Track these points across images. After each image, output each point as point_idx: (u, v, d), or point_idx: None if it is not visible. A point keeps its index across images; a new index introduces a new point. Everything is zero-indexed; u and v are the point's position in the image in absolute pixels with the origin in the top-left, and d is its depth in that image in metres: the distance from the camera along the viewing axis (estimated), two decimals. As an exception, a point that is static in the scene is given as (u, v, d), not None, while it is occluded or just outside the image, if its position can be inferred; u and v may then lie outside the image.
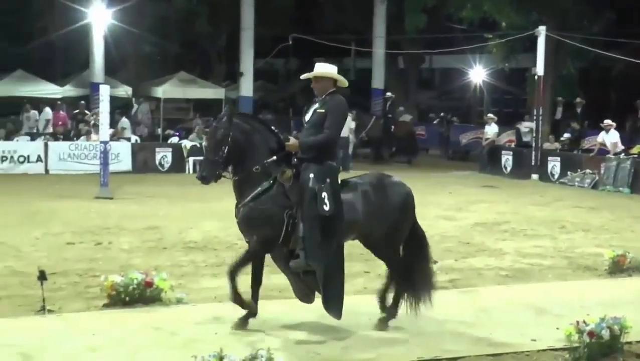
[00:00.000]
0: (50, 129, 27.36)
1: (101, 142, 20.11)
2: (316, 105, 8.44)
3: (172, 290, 9.47)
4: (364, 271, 11.50)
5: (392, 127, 31.29)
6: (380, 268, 10.98)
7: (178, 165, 26.19)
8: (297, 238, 8.12)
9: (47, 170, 24.41)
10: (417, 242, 8.83)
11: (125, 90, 31.45)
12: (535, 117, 26.48)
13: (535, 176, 25.77)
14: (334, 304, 8.18)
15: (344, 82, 8.55)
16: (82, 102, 29.20)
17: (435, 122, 36.03)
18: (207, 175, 8.23)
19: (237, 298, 8.34)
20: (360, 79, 40.69)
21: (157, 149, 26.70)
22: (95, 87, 26.79)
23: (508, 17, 29.52)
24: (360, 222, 8.37)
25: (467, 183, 24.43)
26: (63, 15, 29.29)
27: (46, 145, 24.91)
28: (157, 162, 26.18)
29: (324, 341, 8.05)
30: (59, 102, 28.90)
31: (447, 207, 18.40)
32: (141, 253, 12.72)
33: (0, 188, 20.43)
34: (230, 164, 8.34)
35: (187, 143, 26.88)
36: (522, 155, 26.97)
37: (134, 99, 31.35)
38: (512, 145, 29.14)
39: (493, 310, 9.45)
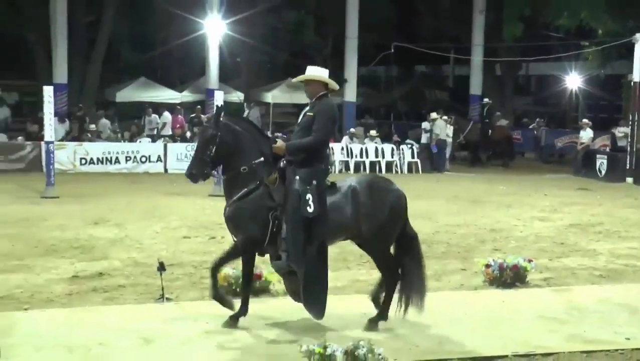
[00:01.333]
0: (169, 131, 27.98)
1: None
2: (307, 109, 8.22)
3: (279, 282, 9.56)
4: (460, 268, 11.39)
5: (490, 131, 30.86)
6: (477, 265, 10.90)
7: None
8: (280, 239, 7.86)
9: (166, 169, 24.97)
10: (408, 243, 8.38)
11: (237, 96, 31.94)
12: (630, 123, 25.70)
13: (629, 179, 24.99)
14: (314, 304, 7.90)
15: (334, 85, 8.28)
16: (199, 106, 29.79)
17: (530, 126, 35.38)
18: (196, 173, 8.06)
19: (216, 294, 8.18)
20: (458, 86, 40.33)
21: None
22: (210, 93, 27.29)
23: (604, 24, 28.73)
24: (349, 223, 8.03)
25: (561, 185, 23.87)
26: (182, 27, 29.95)
27: (165, 146, 25.49)
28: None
29: (421, 334, 7.99)
30: (178, 107, 29.55)
31: (541, 209, 18.02)
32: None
33: (124, 186, 21.03)
34: (218, 164, 8.19)
35: (294, 146, 27.08)
36: (617, 159, 26.18)
37: (245, 104, 31.79)
38: (607, 149, 28.32)
39: (586, 308, 9.21)
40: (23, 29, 30.54)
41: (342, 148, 27.47)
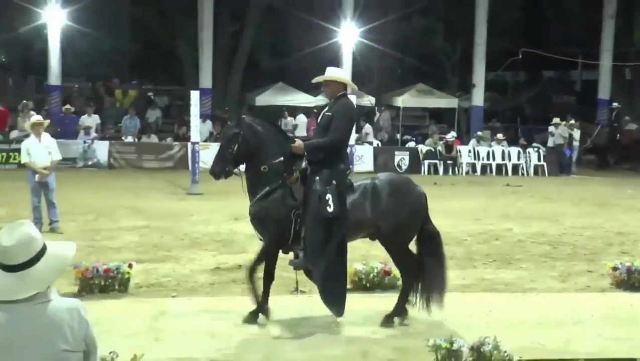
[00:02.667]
0: (302, 133, 28.21)
1: (350, 146, 20.57)
2: (326, 109, 8.03)
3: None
4: (586, 270, 11.02)
5: (618, 135, 29.71)
6: (604, 268, 10.52)
7: (415, 166, 26.29)
8: (300, 238, 7.72)
9: (300, 169, 25.25)
10: (430, 242, 8.13)
11: (369, 100, 31.98)
12: None
13: None
14: (334, 302, 7.75)
15: (353, 86, 8.16)
16: (331, 110, 29.99)
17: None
18: (217, 171, 7.94)
19: (255, 298, 8.09)
20: (586, 90, 38.95)
21: (396, 152, 26.99)
22: (343, 97, 27.43)
23: None
24: (368, 220, 7.85)
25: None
26: (318, 34, 30.26)
27: (300, 148, 25.78)
28: (395, 164, 26.43)
29: (546, 334, 7.79)
30: (314, 110, 29.85)
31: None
32: (379, 244, 12.83)
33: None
34: (240, 162, 8.01)
35: (422, 148, 26.95)
36: None
37: (376, 107, 31.82)
38: None
39: None
40: (174, 38, 31.62)
41: (470, 151, 27.09)
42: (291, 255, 8.20)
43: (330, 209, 7.51)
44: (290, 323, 7.96)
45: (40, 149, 13.08)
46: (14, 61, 35.57)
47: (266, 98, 31.59)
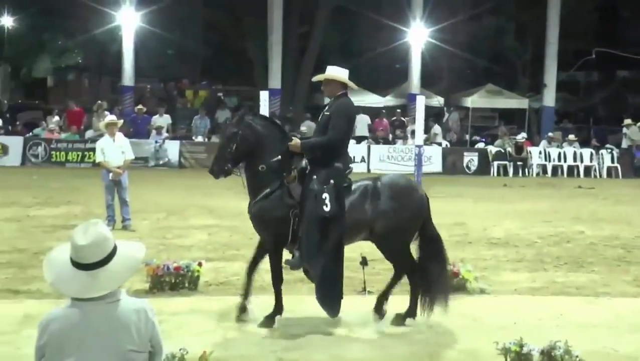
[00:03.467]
0: (362, 133, 27.98)
1: (416, 146, 20.45)
2: (326, 108, 7.92)
3: (476, 281, 9.41)
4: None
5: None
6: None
7: (484, 168, 26.00)
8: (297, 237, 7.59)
9: (369, 169, 25.24)
10: (431, 244, 7.99)
11: (438, 100, 31.75)
12: None
13: None
14: (328, 302, 7.64)
15: (353, 85, 7.96)
16: (399, 110, 29.86)
17: None
18: (216, 170, 7.85)
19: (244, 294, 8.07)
20: (662, 90, 37.89)
21: (465, 153, 26.72)
22: (412, 97, 27.31)
23: None
24: (366, 221, 7.70)
25: None
26: (387, 35, 30.18)
27: (369, 148, 25.78)
28: (464, 165, 26.17)
29: (619, 339, 7.58)
30: (383, 111, 29.78)
31: None
32: (448, 246, 12.61)
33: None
34: (240, 161, 7.92)
35: (492, 149, 26.62)
36: None
37: (445, 108, 31.56)
38: None
39: None
40: (244, 40, 31.91)
41: (540, 152, 26.63)
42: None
43: (327, 208, 7.44)
44: (357, 324, 7.93)
45: (114, 149, 13.35)
46: (89, 63, 36.43)
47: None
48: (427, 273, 7.89)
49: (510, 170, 26.03)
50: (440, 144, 27.39)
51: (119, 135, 13.52)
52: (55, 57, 33.19)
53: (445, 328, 7.86)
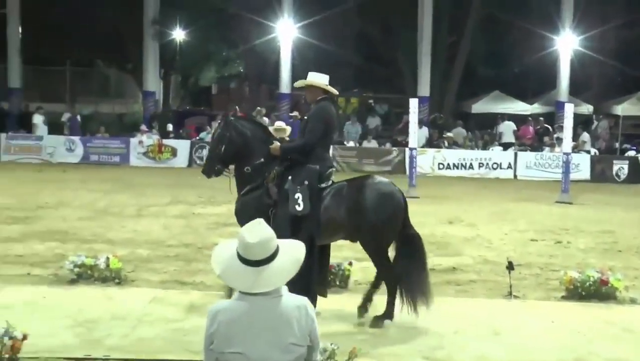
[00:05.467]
0: (507, 139, 27.29)
1: (564, 153, 19.79)
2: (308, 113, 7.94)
3: (626, 290, 8.98)
4: None
5: None
6: None
7: (634, 176, 24.76)
8: None
9: (515, 176, 24.65)
10: (410, 245, 7.71)
11: (587, 108, 30.59)
12: None
13: None
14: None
15: (333, 91, 7.86)
16: (541, 118, 28.93)
17: None
18: (207, 170, 8.04)
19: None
20: None
21: (615, 161, 25.56)
22: (560, 105, 26.45)
23: None
24: (342, 222, 7.51)
25: None
26: (536, 43, 29.38)
27: (516, 155, 25.18)
28: (614, 173, 25.04)
29: None
30: (529, 118, 28.99)
31: None
32: (596, 253, 12.25)
33: (476, 190, 21.07)
34: (229, 162, 8.02)
35: (643, 157, 25.35)
36: None
37: (594, 116, 30.33)
38: None
39: None
40: (394, 50, 31.95)
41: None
42: None
43: (299, 208, 7.45)
44: (501, 328, 7.75)
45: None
46: (250, 71, 37.57)
47: (482, 106, 31.13)
48: (406, 273, 7.69)
49: (663, 180, 24.65)
50: (588, 152, 26.32)
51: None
52: (219, 67, 34.49)
53: (594, 335, 7.55)
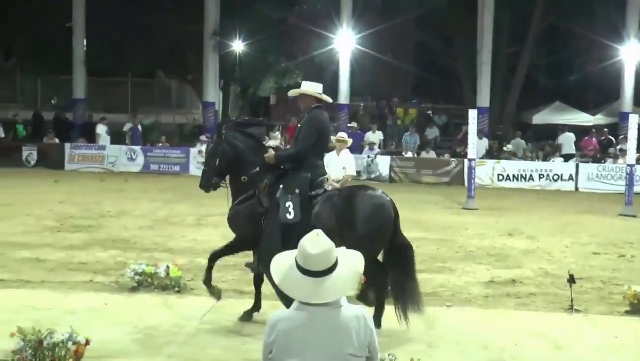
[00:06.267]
0: (568, 150, 26.79)
1: (628, 165, 19.37)
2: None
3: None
4: None
5: None
6: None
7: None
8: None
9: (576, 188, 24.18)
10: (400, 253, 7.63)
11: (651, 119, 29.85)
12: None
13: None
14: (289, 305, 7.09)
15: (327, 99, 7.97)
16: (606, 129, 28.33)
17: None
18: (204, 184, 8.15)
19: (206, 279, 8.12)
20: None
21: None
22: (624, 116, 25.82)
23: None
24: (332, 230, 7.06)
25: None
26: (598, 52, 28.87)
27: (577, 166, 24.73)
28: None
29: None
30: (593, 130, 28.45)
31: None
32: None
33: (536, 202, 20.72)
34: (225, 174, 8.09)
35: None
36: None
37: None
38: None
39: None
40: (453, 60, 31.76)
41: None
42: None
43: (290, 216, 7.54)
44: (562, 342, 7.60)
45: (336, 164, 13.68)
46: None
47: (543, 117, 30.70)
48: (397, 281, 7.66)
49: None
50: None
51: (344, 152, 13.82)
52: (278, 78, 34.80)
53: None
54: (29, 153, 26.12)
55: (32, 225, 14.27)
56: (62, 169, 25.30)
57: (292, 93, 8.30)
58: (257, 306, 8.16)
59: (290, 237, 7.37)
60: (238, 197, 8.05)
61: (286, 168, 7.92)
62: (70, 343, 6.39)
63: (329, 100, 8.21)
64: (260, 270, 7.91)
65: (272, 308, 7.60)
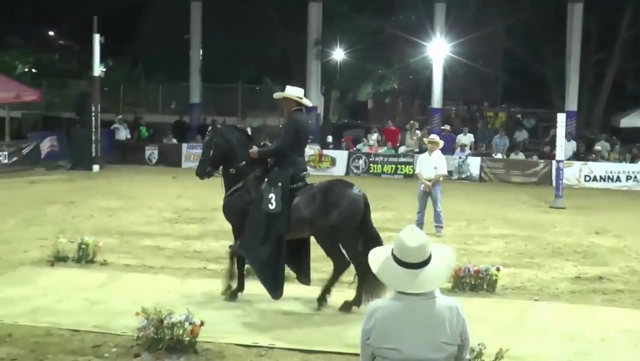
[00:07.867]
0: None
1: None
2: None
3: None
4: None
5: None
6: None
7: None
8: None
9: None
10: (370, 243, 7.46)
11: None
12: None
13: None
14: (270, 287, 7.87)
15: (307, 102, 8.27)
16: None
17: None
18: (199, 172, 8.54)
19: (228, 273, 8.38)
20: None
21: None
22: None
23: None
24: (308, 220, 7.87)
25: None
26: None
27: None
28: None
29: None
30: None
31: None
32: None
33: (624, 202, 19.94)
34: (218, 165, 8.43)
35: None
36: None
37: None
38: None
39: None
40: (542, 66, 30.92)
41: None
42: None
43: (272, 206, 7.81)
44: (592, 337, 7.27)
45: (428, 164, 13.63)
46: (403, 87, 37.55)
47: (630, 121, 29.48)
48: (363, 270, 7.70)
49: None
50: None
51: (436, 153, 13.74)
52: (375, 84, 34.71)
53: None
54: (151, 152, 27.00)
55: (153, 216, 14.75)
56: (180, 167, 26.01)
57: (277, 96, 8.61)
58: (241, 286, 8.41)
59: (271, 225, 7.84)
60: (230, 187, 8.39)
61: (271, 163, 8.24)
62: (187, 324, 6.57)
63: (309, 103, 8.57)
64: (241, 253, 8.19)
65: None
